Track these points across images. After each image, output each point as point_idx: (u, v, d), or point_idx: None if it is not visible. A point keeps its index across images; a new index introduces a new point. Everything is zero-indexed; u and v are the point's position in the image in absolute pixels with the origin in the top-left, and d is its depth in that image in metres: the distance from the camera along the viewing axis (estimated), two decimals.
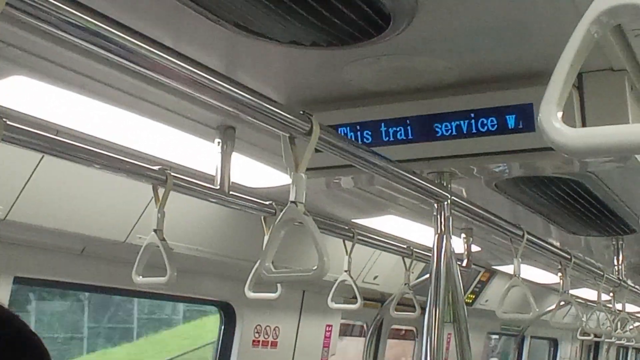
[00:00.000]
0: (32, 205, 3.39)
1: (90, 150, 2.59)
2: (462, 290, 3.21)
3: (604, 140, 1.01)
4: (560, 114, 1.04)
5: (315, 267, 2.10)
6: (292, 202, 2.16)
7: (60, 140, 2.52)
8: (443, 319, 2.98)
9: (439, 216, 3.12)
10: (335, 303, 4.59)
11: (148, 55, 1.71)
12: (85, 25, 1.53)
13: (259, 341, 5.72)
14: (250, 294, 3.60)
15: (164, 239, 2.87)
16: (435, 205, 3.10)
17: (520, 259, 4.26)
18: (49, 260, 3.99)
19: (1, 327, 1.70)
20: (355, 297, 4.49)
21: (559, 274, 5.53)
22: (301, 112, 2.18)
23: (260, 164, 3.73)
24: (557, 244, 5.61)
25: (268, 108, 2.07)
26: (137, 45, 1.67)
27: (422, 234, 5.33)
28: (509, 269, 7.36)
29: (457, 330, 3.16)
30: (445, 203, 3.10)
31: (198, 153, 3.52)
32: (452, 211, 3.16)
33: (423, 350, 2.96)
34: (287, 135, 2.19)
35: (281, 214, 2.19)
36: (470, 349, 3.19)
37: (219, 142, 3.25)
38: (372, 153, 2.58)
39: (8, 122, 2.23)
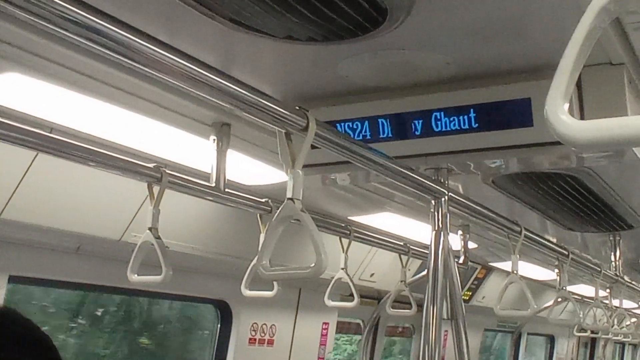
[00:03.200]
0: (26, 203, 3.38)
1: (84, 147, 2.57)
2: (460, 287, 3.20)
3: (611, 133, 0.99)
4: (566, 106, 1.03)
5: (313, 264, 2.09)
6: (289, 199, 2.14)
7: (55, 138, 2.50)
8: (441, 316, 2.96)
9: (436, 213, 3.10)
10: (332, 301, 4.58)
11: (143, 50, 1.69)
12: (79, 20, 1.52)
13: (255, 339, 5.71)
14: (247, 292, 3.59)
15: (159, 237, 2.85)
16: (433, 201, 3.09)
17: (518, 256, 4.24)
18: (44, 259, 3.97)
19: (11, 325, 1.70)
20: (352, 295, 4.49)
21: (556, 270, 5.51)
22: (297, 108, 2.17)
23: (255, 161, 3.71)
24: (554, 240, 5.59)
25: (263, 103, 2.05)
26: (132, 40, 1.65)
27: (419, 231, 5.33)
28: (505, 265, 7.38)
29: (455, 327, 3.15)
30: (443, 199, 3.08)
31: (193, 150, 3.50)
32: (450, 207, 3.15)
33: (421, 348, 2.95)
34: (283, 131, 2.17)
35: (278, 211, 2.17)
36: (468, 346, 3.18)
37: (214, 139, 3.24)
38: (368, 149, 2.56)
39: (1, 120, 2.22)
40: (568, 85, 1.04)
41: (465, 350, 3.14)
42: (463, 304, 3.21)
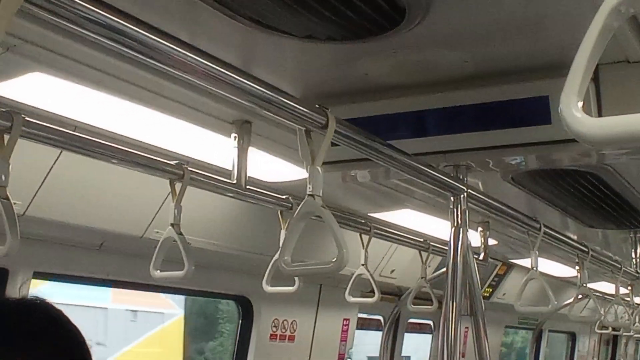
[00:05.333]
0: (50, 200, 3.42)
1: (107, 145, 2.60)
2: (479, 283, 3.22)
3: (625, 129, 0.99)
4: (580, 104, 1.03)
5: (335, 259, 2.11)
6: (309, 195, 2.17)
7: (78, 136, 2.54)
8: (460, 312, 2.98)
9: (455, 209, 3.12)
10: (353, 297, 4.60)
11: (165, 50, 1.73)
12: (103, 21, 1.55)
13: (276, 335, 5.74)
14: (268, 288, 3.61)
15: (181, 233, 2.88)
16: (452, 198, 3.11)
17: (537, 252, 4.25)
18: (67, 255, 4.02)
19: (40, 317, 1.71)
20: (373, 291, 4.50)
21: (577, 267, 5.50)
22: (317, 106, 2.19)
23: (276, 159, 3.74)
24: (575, 237, 5.58)
25: (284, 102, 2.08)
26: (155, 40, 1.69)
27: (439, 227, 5.33)
28: (526, 262, 7.34)
29: (475, 324, 3.17)
30: (462, 196, 3.10)
31: (215, 148, 3.53)
32: (469, 204, 3.17)
33: (440, 344, 2.97)
34: (303, 128, 2.20)
35: (299, 207, 2.20)
36: (488, 342, 3.19)
37: (235, 137, 3.26)
38: (388, 146, 2.59)
39: (27, 118, 2.25)
40: (582, 83, 1.04)
41: (485, 346, 3.16)
42: (482, 300, 3.23)
